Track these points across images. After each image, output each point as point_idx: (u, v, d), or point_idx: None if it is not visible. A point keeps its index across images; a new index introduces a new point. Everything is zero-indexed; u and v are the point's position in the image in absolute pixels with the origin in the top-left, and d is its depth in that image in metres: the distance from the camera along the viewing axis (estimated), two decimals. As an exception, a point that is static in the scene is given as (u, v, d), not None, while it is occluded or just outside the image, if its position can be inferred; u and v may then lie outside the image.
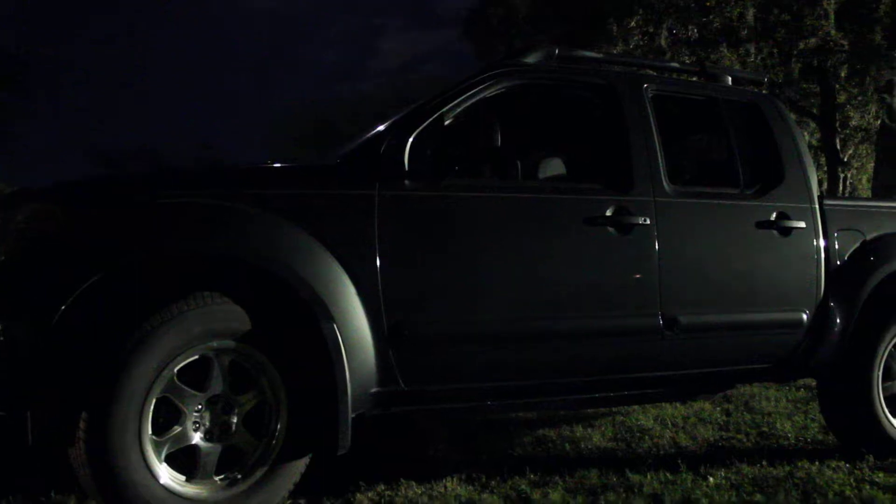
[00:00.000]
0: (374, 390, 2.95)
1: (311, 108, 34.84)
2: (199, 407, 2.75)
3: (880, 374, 3.93)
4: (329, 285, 2.83)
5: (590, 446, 4.21)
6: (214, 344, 2.75)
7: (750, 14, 13.52)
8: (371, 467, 3.59)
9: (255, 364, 2.84)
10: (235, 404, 2.83)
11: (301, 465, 2.92)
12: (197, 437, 2.74)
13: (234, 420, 2.81)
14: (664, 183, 3.50)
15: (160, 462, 2.65)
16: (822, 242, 3.86)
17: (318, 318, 2.78)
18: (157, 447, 2.66)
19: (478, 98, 3.26)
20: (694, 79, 4.33)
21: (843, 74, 14.38)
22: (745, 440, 4.36)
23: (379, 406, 3.01)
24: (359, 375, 2.86)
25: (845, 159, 19.32)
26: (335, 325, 2.79)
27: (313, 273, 2.80)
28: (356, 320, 2.87)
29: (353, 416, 2.85)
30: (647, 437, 4.38)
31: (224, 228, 2.79)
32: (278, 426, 2.86)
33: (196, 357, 2.73)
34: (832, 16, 13.55)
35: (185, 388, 2.72)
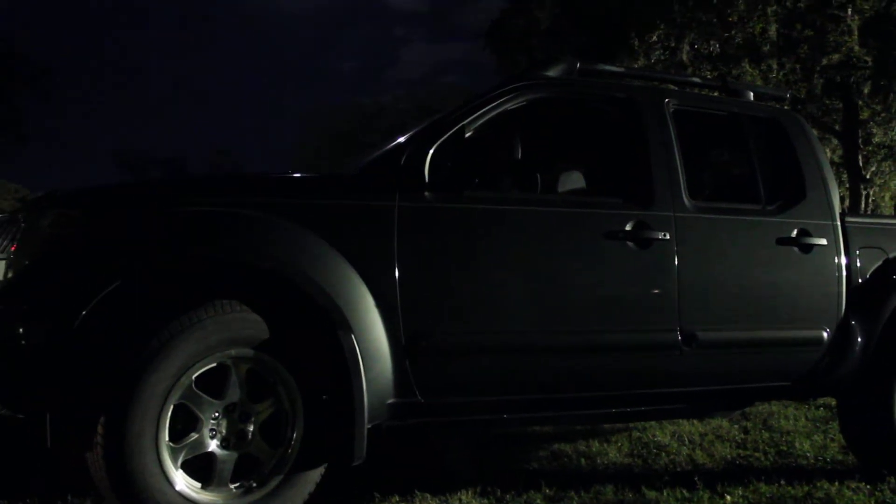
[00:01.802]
0: (390, 401, 2.95)
1: (332, 116, 35.04)
2: (216, 414, 2.76)
3: (902, 394, 3.88)
4: (348, 295, 2.84)
5: (606, 461, 4.18)
6: (232, 352, 2.77)
7: (772, 29, 13.47)
8: (386, 478, 3.59)
9: (272, 373, 2.85)
10: (252, 412, 2.83)
11: (316, 474, 2.92)
12: (213, 445, 2.75)
13: (251, 428, 2.82)
14: (684, 198, 3.48)
15: (176, 468, 2.67)
16: (843, 260, 3.82)
17: (335, 327, 2.79)
18: (174, 453, 2.67)
19: (499, 111, 3.27)
20: (715, 94, 4.31)
21: (866, 91, 14.27)
22: (763, 459, 4.32)
23: (395, 417, 3.01)
24: (375, 386, 2.86)
25: (868, 176, 19.16)
26: (353, 336, 2.80)
27: (332, 283, 2.81)
28: (374, 331, 2.87)
29: (369, 426, 2.86)
30: (663, 453, 4.35)
31: (244, 237, 2.81)
32: (294, 435, 2.87)
33: (214, 365, 2.75)
34: (856, 32, 13.48)
35: (203, 395, 2.73)
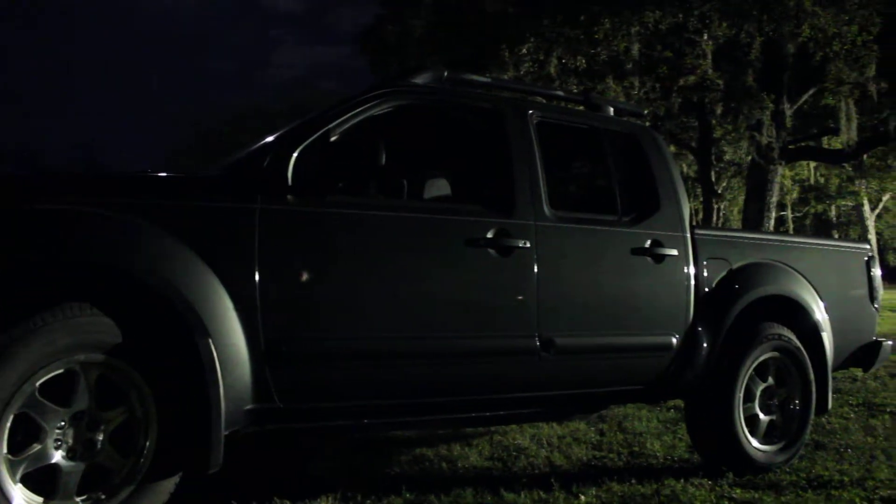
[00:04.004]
0: (248, 407, 2.89)
1: (203, 117, 34.08)
2: (62, 424, 2.61)
3: (741, 395, 4.13)
4: (206, 299, 2.76)
5: (466, 465, 4.25)
6: (81, 357, 2.63)
7: (635, 49, 14.06)
8: (245, 485, 3.51)
9: (124, 379, 2.73)
10: (102, 421, 2.70)
11: (171, 483, 2.81)
12: (58, 456, 2.59)
13: (100, 437, 2.68)
14: (545, 208, 3.58)
15: (15, 483, 2.50)
16: (692, 270, 4.03)
17: (192, 332, 2.70)
18: (13, 467, 2.50)
19: (365, 116, 3.27)
20: (579, 108, 4.46)
21: (718, 111, 15.12)
22: (616, 459, 4.49)
23: (254, 423, 2.96)
24: (233, 392, 2.80)
25: (719, 191, 20.34)
26: (210, 340, 2.72)
27: (190, 286, 2.73)
28: (233, 336, 2.81)
29: (227, 433, 2.78)
30: (523, 456, 4.46)
31: (98, 238, 2.68)
32: (147, 443, 2.75)
33: (61, 371, 2.60)
34: (710, 56, 14.29)
35: (47, 403, 2.57)
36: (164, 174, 3.24)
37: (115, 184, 2.95)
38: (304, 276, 2.99)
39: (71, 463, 2.62)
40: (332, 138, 3.13)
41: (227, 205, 2.91)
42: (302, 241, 3.01)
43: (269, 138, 3.21)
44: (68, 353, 2.58)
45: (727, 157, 18.89)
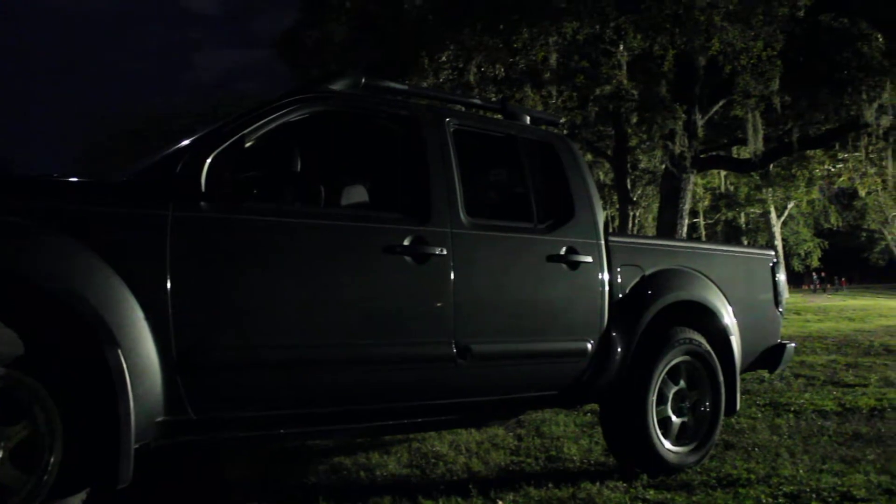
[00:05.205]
0: (160, 419, 2.81)
1: (120, 118, 33.08)
2: (-43, 442, 2.49)
3: (654, 399, 4.23)
4: (115, 309, 2.67)
5: (385, 473, 4.23)
6: None
7: (553, 58, 14.34)
8: (157, 499, 3.42)
9: (27, 392, 2.62)
10: (1, 437, 2.58)
11: (77, 501, 2.71)
12: (-49, 476, 2.47)
13: (-1, 455, 2.58)
14: (461, 215, 3.60)
15: None
16: (606, 276, 4.11)
17: (101, 343, 2.61)
18: None
19: (281, 121, 3.22)
20: (497, 116, 4.50)
21: (633, 121, 15.54)
22: (534, 464, 4.54)
23: (166, 436, 2.87)
24: (143, 403, 2.71)
25: (635, 198, 20.86)
26: (119, 351, 2.63)
27: (98, 295, 2.63)
28: (143, 346, 2.72)
29: (137, 446, 2.70)
30: (441, 462, 4.46)
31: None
32: (52, 459, 2.64)
33: (-44, 386, 2.48)
34: (625, 67, 14.68)
35: (-59, 420, 2.46)
36: (71, 179, 3.13)
37: (15, 187, 2.84)
38: (218, 285, 2.92)
39: (-35, 483, 2.49)
40: (248, 144, 3.08)
41: (137, 211, 2.82)
42: (215, 249, 2.94)
43: (183, 143, 3.14)
44: None
45: (642, 165, 19.43)
